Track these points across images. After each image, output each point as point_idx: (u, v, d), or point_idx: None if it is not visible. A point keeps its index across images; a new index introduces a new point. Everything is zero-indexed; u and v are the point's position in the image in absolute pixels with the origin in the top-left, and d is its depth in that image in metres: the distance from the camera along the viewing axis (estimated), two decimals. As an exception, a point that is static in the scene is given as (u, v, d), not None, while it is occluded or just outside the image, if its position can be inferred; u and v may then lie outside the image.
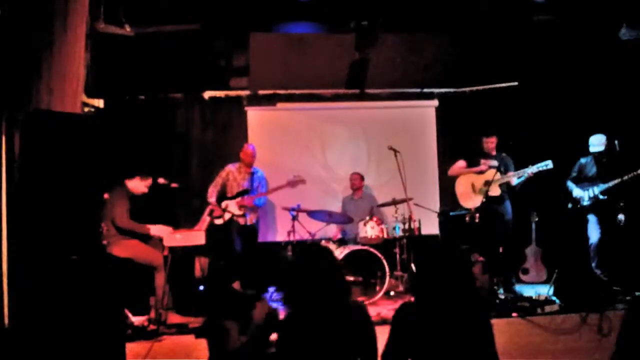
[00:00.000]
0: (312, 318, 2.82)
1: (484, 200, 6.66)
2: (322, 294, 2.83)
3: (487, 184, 6.83)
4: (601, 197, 6.86)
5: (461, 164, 7.19)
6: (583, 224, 6.98)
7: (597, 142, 7.00)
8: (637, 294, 5.84)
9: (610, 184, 6.78)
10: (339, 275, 2.98)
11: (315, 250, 3.05)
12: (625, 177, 6.67)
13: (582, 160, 7.14)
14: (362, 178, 8.05)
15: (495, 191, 6.79)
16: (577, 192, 6.99)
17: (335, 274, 2.94)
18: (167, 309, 5.72)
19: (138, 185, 6.06)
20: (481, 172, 6.99)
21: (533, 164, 6.65)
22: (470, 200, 7.01)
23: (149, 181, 6.12)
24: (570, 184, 7.10)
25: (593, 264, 6.73)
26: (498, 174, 6.75)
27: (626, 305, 5.53)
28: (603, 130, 7.04)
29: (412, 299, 2.99)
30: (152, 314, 5.65)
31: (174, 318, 5.70)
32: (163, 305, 5.69)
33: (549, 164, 6.60)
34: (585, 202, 6.93)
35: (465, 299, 2.84)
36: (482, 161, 7.03)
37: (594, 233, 6.87)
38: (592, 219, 6.94)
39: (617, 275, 6.34)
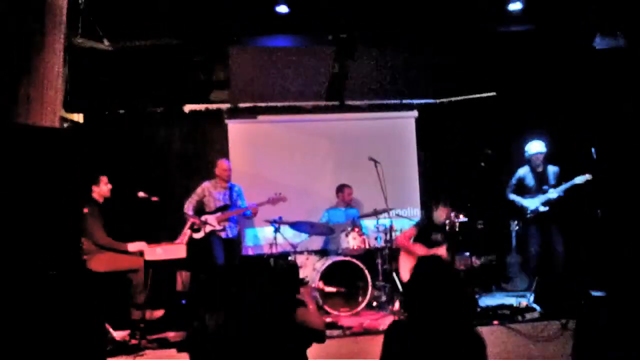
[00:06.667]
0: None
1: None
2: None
3: None
4: (542, 209, 6.90)
5: (411, 232, 6.77)
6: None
7: (535, 149, 7.01)
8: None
9: (552, 194, 6.80)
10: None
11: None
12: (566, 186, 6.77)
13: (520, 171, 7.17)
14: None
15: None
16: (527, 202, 6.97)
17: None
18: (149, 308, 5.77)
19: (103, 188, 6.06)
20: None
21: (479, 257, 6.75)
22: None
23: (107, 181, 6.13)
24: (513, 196, 7.09)
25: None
26: (447, 254, 6.42)
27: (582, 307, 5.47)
28: (579, 139, 7.11)
29: (393, 309, 2.98)
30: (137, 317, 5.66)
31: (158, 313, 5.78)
32: (139, 302, 5.73)
33: (494, 259, 6.63)
34: (529, 214, 6.97)
35: (459, 315, 2.84)
36: (433, 236, 6.66)
37: (534, 243, 6.98)
38: (532, 229, 7.02)
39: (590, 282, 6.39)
